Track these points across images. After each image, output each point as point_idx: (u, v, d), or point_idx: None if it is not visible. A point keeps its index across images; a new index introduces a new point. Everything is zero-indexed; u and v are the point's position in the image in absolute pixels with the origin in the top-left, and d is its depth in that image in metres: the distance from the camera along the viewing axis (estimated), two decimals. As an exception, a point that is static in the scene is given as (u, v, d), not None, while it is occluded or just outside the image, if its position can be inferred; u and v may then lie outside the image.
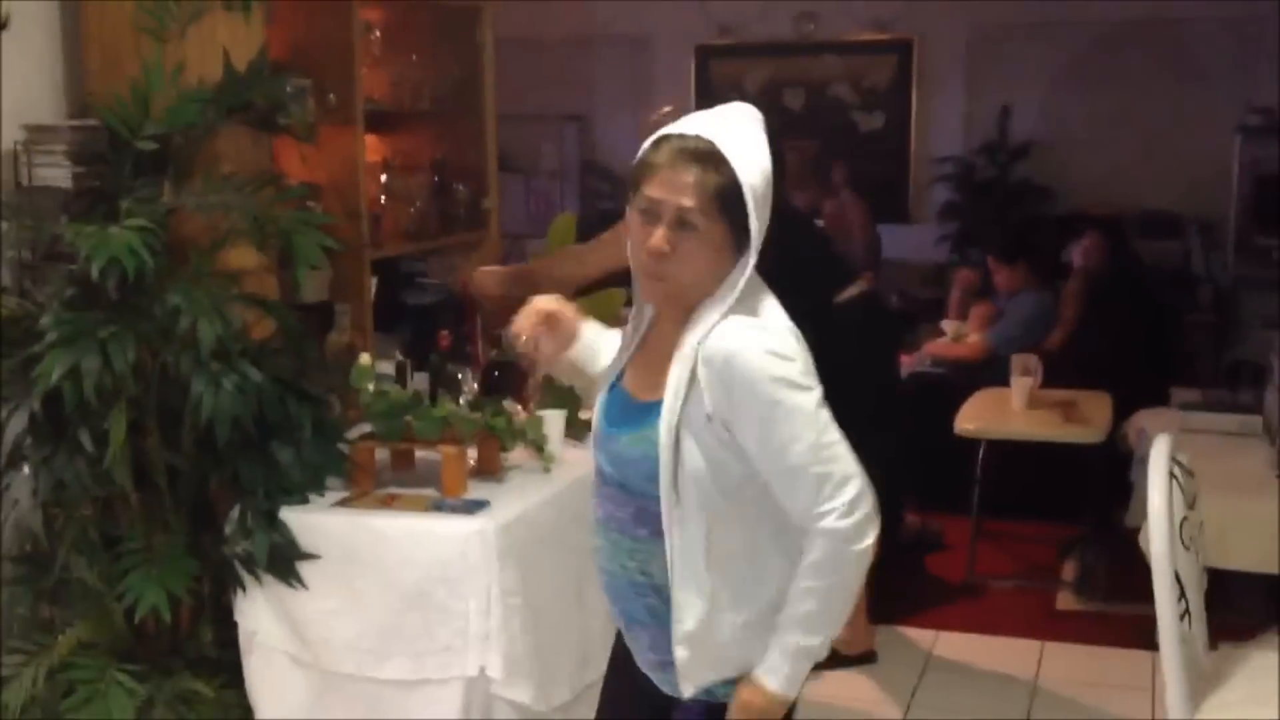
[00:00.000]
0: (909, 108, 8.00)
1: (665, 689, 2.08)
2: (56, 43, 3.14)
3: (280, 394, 2.81)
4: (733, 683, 2.00)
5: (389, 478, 3.05)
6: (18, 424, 2.66)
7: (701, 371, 1.91)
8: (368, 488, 2.95)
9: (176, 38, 2.91)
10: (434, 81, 4.02)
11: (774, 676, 1.94)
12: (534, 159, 8.37)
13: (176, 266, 2.79)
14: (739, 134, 1.93)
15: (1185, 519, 2.60)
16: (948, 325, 6.46)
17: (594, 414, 2.13)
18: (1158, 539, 2.50)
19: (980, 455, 5.00)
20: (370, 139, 3.70)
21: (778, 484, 1.92)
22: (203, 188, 2.83)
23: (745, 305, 1.94)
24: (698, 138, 1.91)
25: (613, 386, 2.11)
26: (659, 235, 1.91)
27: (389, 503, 2.90)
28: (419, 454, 3.10)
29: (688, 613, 1.96)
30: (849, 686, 4.04)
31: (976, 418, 4.98)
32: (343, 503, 2.90)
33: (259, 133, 3.04)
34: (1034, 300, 6.09)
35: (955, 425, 4.90)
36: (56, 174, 2.90)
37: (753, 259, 1.95)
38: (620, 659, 2.21)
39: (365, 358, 3.05)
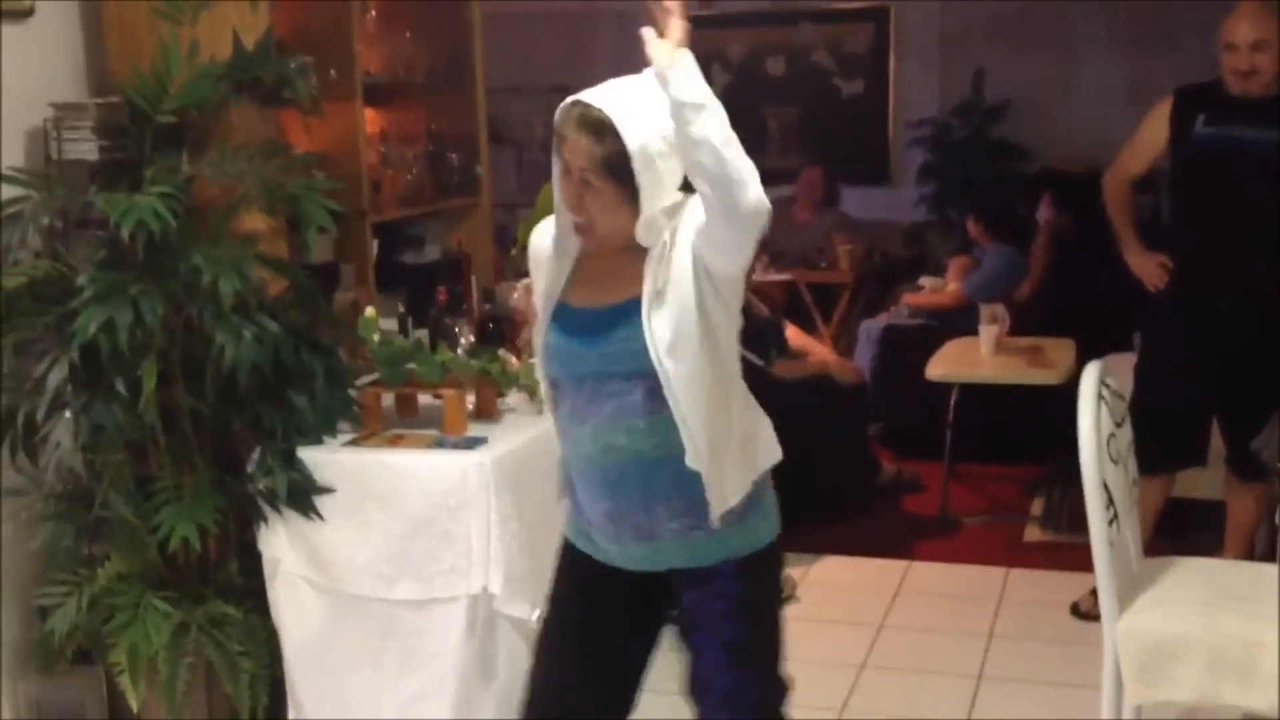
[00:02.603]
0: (887, 73, 8.23)
1: (674, 560, 2.29)
2: (78, 27, 3.38)
3: (295, 344, 3.07)
4: (728, 540, 2.27)
5: (395, 422, 3.31)
6: (58, 374, 2.91)
7: (679, 246, 2.16)
8: (376, 429, 3.22)
9: (190, 21, 3.11)
10: (427, 56, 4.23)
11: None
12: (524, 130, 8.60)
13: (197, 229, 3.03)
14: (623, 99, 2.15)
15: (1113, 435, 2.87)
16: (926, 281, 6.73)
17: (545, 336, 2.30)
18: (1086, 452, 2.77)
19: (952, 401, 5.28)
20: (369, 111, 3.92)
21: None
22: (218, 158, 3.07)
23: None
24: (587, 108, 2.15)
25: (561, 310, 2.30)
26: (569, 187, 2.20)
27: (395, 442, 3.16)
28: (422, 400, 3.37)
29: (708, 456, 2.19)
30: (826, 607, 4.34)
31: (946, 363, 5.26)
32: (353, 442, 3.17)
33: (267, 107, 3.26)
34: (1006, 253, 6.36)
35: (926, 371, 5.17)
36: (84, 148, 3.12)
37: (666, 197, 2.19)
38: (575, 591, 2.44)
39: (370, 310, 3.32)
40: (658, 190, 2.18)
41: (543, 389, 2.40)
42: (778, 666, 2.40)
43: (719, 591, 2.29)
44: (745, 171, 2.03)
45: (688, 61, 2.05)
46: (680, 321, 2.16)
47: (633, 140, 2.13)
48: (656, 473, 2.24)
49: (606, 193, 2.17)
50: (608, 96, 2.16)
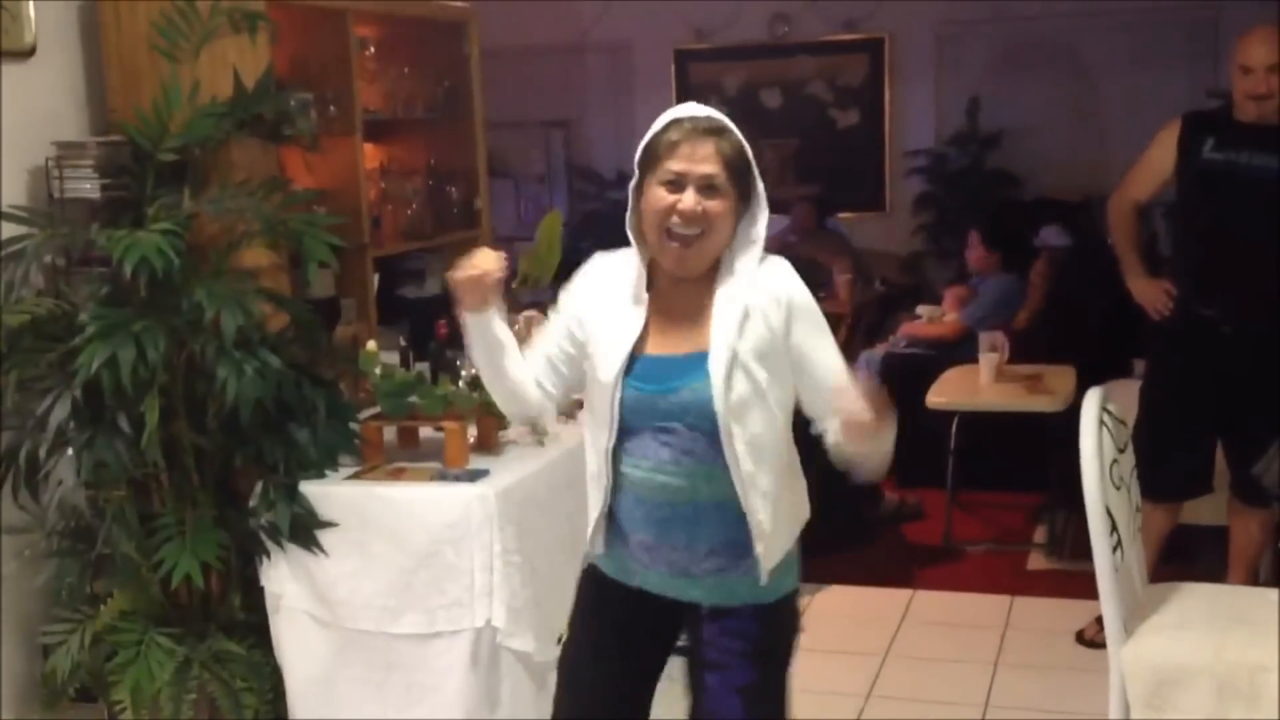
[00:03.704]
0: (882, 103, 8.27)
1: (704, 596, 2.32)
2: (80, 66, 3.40)
3: (296, 379, 3.09)
4: (759, 584, 2.31)
5: (396, 455, 3.32)
6: (60, 411, 2.92)
7: (763, 305, 2.24)
8: (378, 462, 3.23)
9: (190, 59, 3.16)
10: (426, 92, 4.26)
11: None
12: (522, 164, 8.64)
13: (199, 266, 3.05)
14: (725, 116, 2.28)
15: (1115, 461, 2.87)
16: (923, 310, 6.74)
17: (618, 390, 2.27)
18: (1089, 479, 2.78)
19: (954, 431, 5.28)
20: (368, 146, 3.95)
21: (822, 375, 2.29)
22: (219, 194, 3.09)
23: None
24: (708, 117, 2.24)
25: (636, 356, 2.29)
26: (690, 196, 2.20)
27: (397, 475, 3.17)
28: (423, 433, 3.38)
29: (760, 512, 2.26)
30: (830, 637, 4.33)
31: (945, 392, 5.26)
32: (355, 476, 3.17)
33: (268, 143, 3.29)
34: (1004, 282, 6.38)
35: (926, 399, 5.18)
36: (85, 186, 3.15)
37: (763, 216, 2.28)
38: (603, 613, 2.45)
39: (371, 344, 3.33)
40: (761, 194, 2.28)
41: (600, 428, 2.34)
42: (784, 709, 2.41)
43: (739, 631, 2.32)
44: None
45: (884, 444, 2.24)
46: (751, 387, 2.23)
47: (745, 145, 2.25)
48: (705, 516, 2.28)
49: (729, 196, 2.22)
50: (705, 110, 2.28)
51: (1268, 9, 4.88)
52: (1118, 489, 2.87)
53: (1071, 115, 7.80)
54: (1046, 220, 7.04)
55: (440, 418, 3.21)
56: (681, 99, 8.42)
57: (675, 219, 2.20)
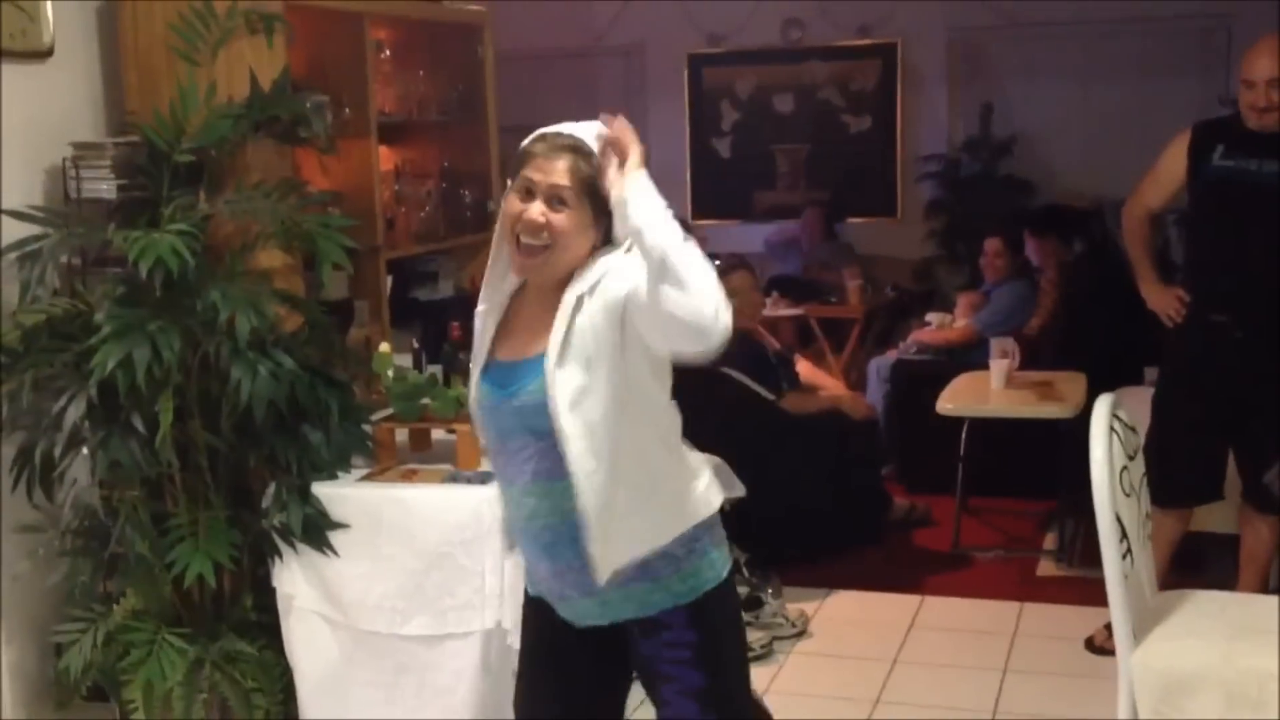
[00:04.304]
0: (894, 109, 8.28)
1: (622, 613, 2.26)
2: (97, 68, 3.43)
3: (310, 380, 3.10)
4: (671, 586, 2.23)
5: (408, 456, 3.33)
6: (75, 411, 2.93)
7: (599, 292, 2.14)
8: (390, 464, 3.24)
9: (207, 60, 3.18)
10: (440, 94, 4.28)
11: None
12: (535, 166, 8.65)
13: (213, 267, 3.07)
14: (596, 135, 2.22)
15: (1125, 468, 2.87)
16: (933, 317, 6.75)
17: (477, 392, 2.30)
18: (1099, 485, 2.78)
19: (964, 437, 5.29)
20: (383, 149, 3.96)
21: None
22: (234, 196, 3.11)
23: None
24: (570, 135, 2.21)
25: (490, 365, 2.30)
26: (536, 207, 2.18)
27: (409, 477, 3.18)
28: (435, 435, 3.39)
29: (596, 515, 2.15)
30: (838, 643, 4.33)
31: (956, 398, 5.26)
32: (368, 477, 3.19)
33: (283, 145, 3.31)
34: (1016, 288, 6.39)
35: (937, 406, 5.18)
36: (102, 187, 3.17)
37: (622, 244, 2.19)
38: (543, 647, 2.40)
39: (385, 346, 3.34)
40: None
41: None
42: (747, 702, 2.40)
43: (674, 640, 2.26)
44: (704, 283, 2.01)
45: (641, 185, 2.10)
46: (590, 376, 2.14)
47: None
48: (573, 534, 2.20)
49: (580, 213, 2.18)
50: (580, 129, 2.23)
51: (1283, 15, 4.89)
52: (1128, 496, 2.87)
53: (1084, 121, 7.81)
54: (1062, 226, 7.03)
55: (452, 420, 3.22)
56: (694, 103, 8.55)
57: (520, 226, 2.20)
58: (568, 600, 2.31)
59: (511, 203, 2.22)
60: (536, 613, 2.40)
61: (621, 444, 2.17)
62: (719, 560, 2.31)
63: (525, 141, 2.25)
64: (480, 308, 2.36)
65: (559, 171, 2.18)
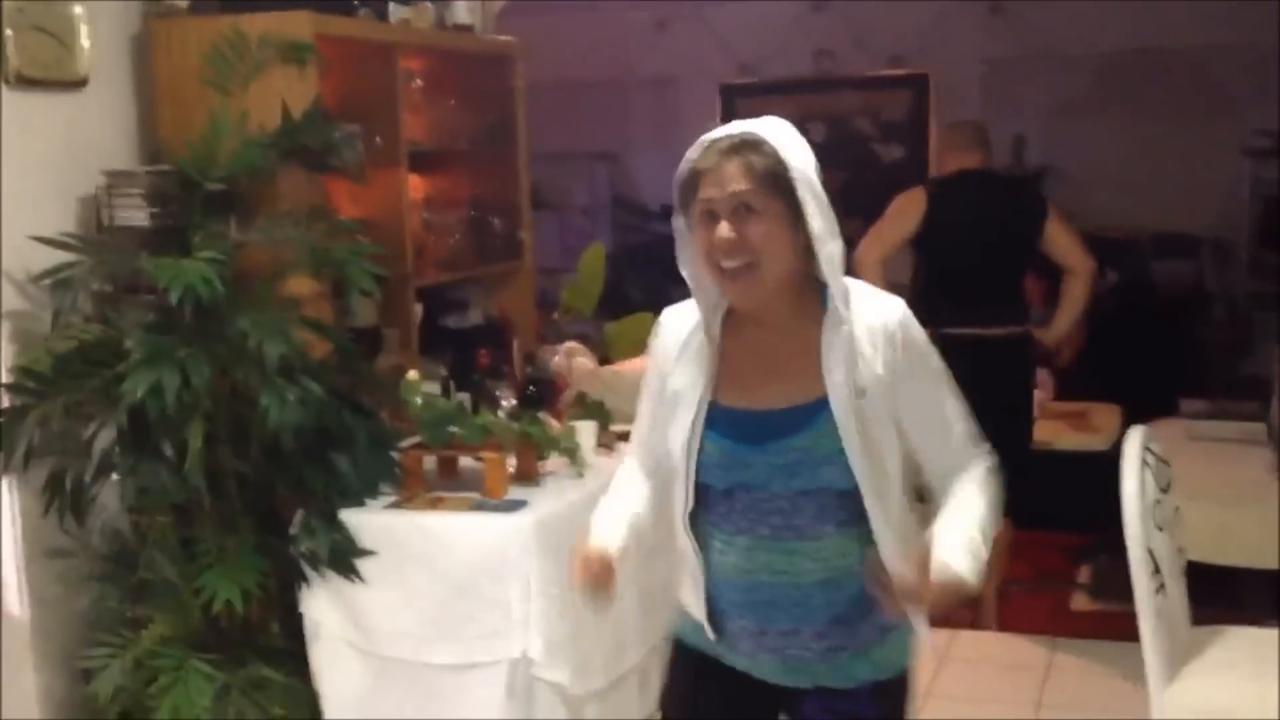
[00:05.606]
0: (926, 139, 8.26)
1: (814, 680, 2.11)
2: (130, 97, 3.46)
3: (338, 407, 3.11)
4: (883, 653, 2.12)
5: (436, 484, 3.33)
6: (105, 437, 2.96)
7: (864, 346, 2.00)
8: (417, 491, 3.24)
9: (239, 90, 3.20)
10: (471, 124, 4.29)
11: (960, 561, 1.98)
12: (567, 196, 8.67)
13: (243, 294, 3.08)
14: (772, 126, 2.04)
15: (1158, 502, 2.84)
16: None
17: (694, 433, 2.08)
18: (1131, 519, 2.75)
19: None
20: (413, 178, 3.98)
21: (932, 433, 2.06)
22: (265, 224, 3.13)
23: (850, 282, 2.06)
24: (731, 135, 2.02)
25: (716, 412, 2.09)
26: (723, 227, 1.98)
27: (437, 504, 3.18)
28: (462, 463, 3.39)
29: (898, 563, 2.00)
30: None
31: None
32: (395, 505, 3.19)
33: (314, 174, 3.33)
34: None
35: (969, 436, 5.13)
36: (134, 215, 3.19)
37: (832, 246, 2.01)
38: (700, 698, 2.24)
39: (413, 373, 3.35)
40: (821, 209, 2.01)
41: (677, 491, 2.13)
42: None
43: (854, 713, 2.12)
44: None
45: (969, 568, 1.99)
46: (883, 425, 2.01)
47: (785, 151, 2.00)
48: (811, 599, 2.06)
49: (770, 212, 1.98)
50: (740, 126, 2.04)
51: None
52: (1160, 530, 2.83)
53: (1117, 152, 7.76)
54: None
55: (480, 448, 3.22)
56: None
57: (717, 254, 2.00)
58: (756, 660, 2.15)
59: (700, 236, 2.02)
60: (691, 660, 2.23)
61: (899, 496, 2.06)
62: (909, 643, 2.18)
63: (685, 162, 2.04)
64: (672, 344, 2.15)
65: (734, 177, 1.98)
